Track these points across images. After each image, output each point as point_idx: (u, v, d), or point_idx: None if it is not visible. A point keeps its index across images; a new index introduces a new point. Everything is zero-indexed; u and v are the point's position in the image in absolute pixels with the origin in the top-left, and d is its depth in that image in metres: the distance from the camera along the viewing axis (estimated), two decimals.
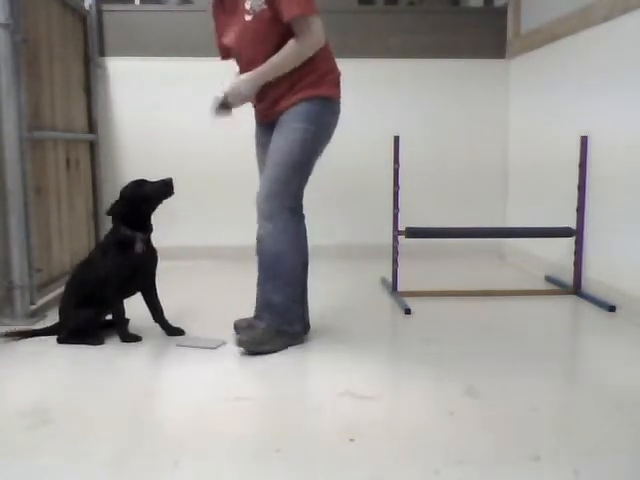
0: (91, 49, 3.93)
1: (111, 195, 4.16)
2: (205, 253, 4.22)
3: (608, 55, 3.00)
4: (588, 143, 3.15)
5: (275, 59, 2.26)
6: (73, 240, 3.51)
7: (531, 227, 3.63)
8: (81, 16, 3.82)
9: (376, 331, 2.67)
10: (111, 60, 4.13)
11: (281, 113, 2.35)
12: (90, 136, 3.91)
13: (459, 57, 4.19)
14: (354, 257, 4.20)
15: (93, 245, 3.92)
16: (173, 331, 2.58)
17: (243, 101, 2.37)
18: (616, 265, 2.95)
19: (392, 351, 2.44)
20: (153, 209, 2.58)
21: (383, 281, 3.48)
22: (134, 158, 4.21)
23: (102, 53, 4.10)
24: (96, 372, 2.21)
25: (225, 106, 2.38)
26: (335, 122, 2.42)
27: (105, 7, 4.08)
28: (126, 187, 2.52)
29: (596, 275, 3.13)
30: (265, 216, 2.34)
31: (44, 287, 2.98)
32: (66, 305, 2.53)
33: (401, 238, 3.19)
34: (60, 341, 2.48)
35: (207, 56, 4.16)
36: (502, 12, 4.24)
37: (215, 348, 2.41)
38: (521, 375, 2.14)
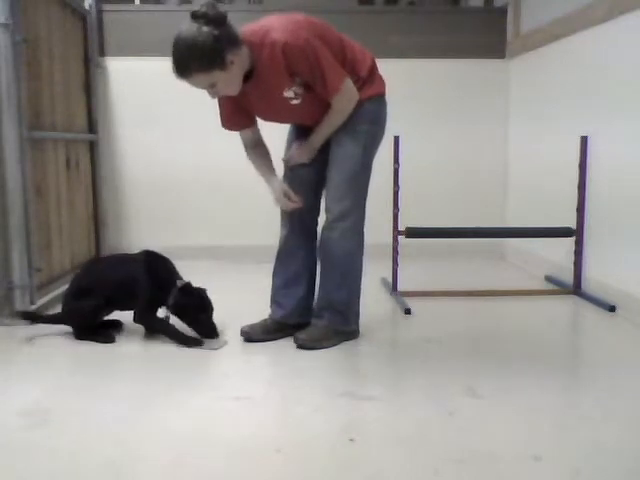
0: (91, 49, 3.93)
1: (111, 195, 4.18)
2: (205, 253, 4.22)
3: (608, 55, 3.00)
4: (588, 143, 3.15)
5: (325, 128, 2.34)
6: (73, 240, 3.51)
7: (531, 227, 3.63)
8: (81, 16, 3.82)
9: (376, 331, 2.67)
10: (111, 60, 4.13)
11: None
12: (90, 136, 3.91)
13: (459, 57, 4.18)
14: None
15: (93, 245, 3.92)
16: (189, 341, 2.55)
17: (306, 159, 2.47)
18: (616, 265, 2.95)
19: (392, 351, 2.44)
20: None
21: (383, 281, 3.48)
22: (134, 158, 4.21)
23: (102, 53, 4.09)
24: (96, 372, 2.20)
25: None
26: (386, 117, 2.45)
27: (105, 7, 4.08)
28: (188, 288, 2.51)
29: (596, 275, 3.13)
30: (337, 217, 2.38)
31: (44, 287, 2.98)
32: (67, 294, 2.57)
33: (401, 238, 3.20)
34: (75, 336, 2.51)
35: None
36: (502, 12, 4.24)
37: (217, 349, 2.40)
38: (521, 375, 2.14)
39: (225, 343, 2.46)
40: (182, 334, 2.45)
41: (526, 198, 4.03)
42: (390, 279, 3.27)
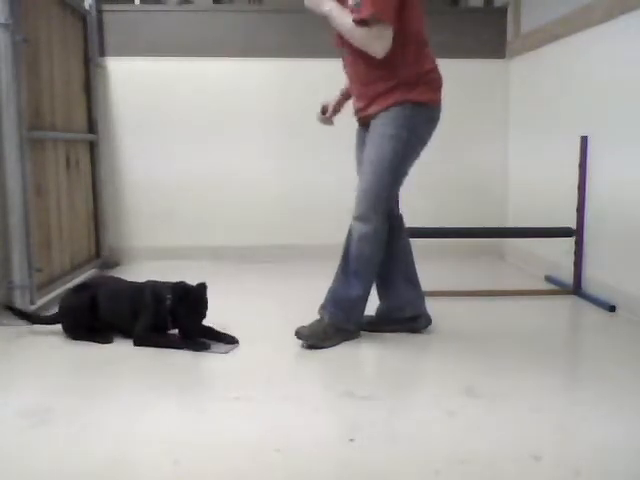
0: (91, 49, 3.92)
1: (111, 195, 4.18)
2: (205, 253, 4.21)
3: (608, 55, 3.00)
4: (588, 143, 3.15)
5: (342, 18, 2.26)
6: (73, 240, 3.51)
7: (531, 227, 3.63)
8: (81, 16, 3.82)
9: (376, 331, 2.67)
10: (111, 60, 4.13)
11: (374, 117, 2.37)
12: (90, 136, 3.91)
13: (459, 57, 4.18)
14: None
15: (93, 245, 3.92)
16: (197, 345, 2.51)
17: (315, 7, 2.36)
18: (616, 265, 2.95)
19: (392, 351, 2.44)
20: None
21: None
22: (134, 158, 4.21)
23: (102, 53, 4.09)
24: (96, 372, 2.20)
25: None
26: (430, 128, 2.40)
27: (105, 7, 4.07)
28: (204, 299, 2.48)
29: (596, 275, 3.13)
30: (358, 218, 2.40)
31: (44, 287, 2.98)
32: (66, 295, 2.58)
33: None
34: (72, 338, 2.50)
35: (207, 56, 4.17)
36: (502, 12, 4.24)
37: (226, 353, 2.37)
38: (521, 375, 2.14)
39: (233, 347, 2.42)
40: (189, 340, 2.41)
41: (526, 198, 4.03)
42: None
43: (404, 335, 2.57)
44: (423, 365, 2.24)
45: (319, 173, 4.25)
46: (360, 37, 2.25)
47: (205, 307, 2.45)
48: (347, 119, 4.50)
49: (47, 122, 3.18)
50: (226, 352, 2.36)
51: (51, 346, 2.47)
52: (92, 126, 3.95)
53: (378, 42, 2.23)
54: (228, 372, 2.19)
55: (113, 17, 4.10)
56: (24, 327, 2.66)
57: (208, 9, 4.46)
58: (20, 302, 2.76)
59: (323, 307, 2.49)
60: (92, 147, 3.95)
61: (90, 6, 3.93)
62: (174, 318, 2.42)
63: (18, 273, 2.75)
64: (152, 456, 1.60)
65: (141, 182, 4.22)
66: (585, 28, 3.18)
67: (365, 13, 2.19)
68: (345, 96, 2.69)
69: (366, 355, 2.38)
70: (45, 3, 3.20)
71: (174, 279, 2.48)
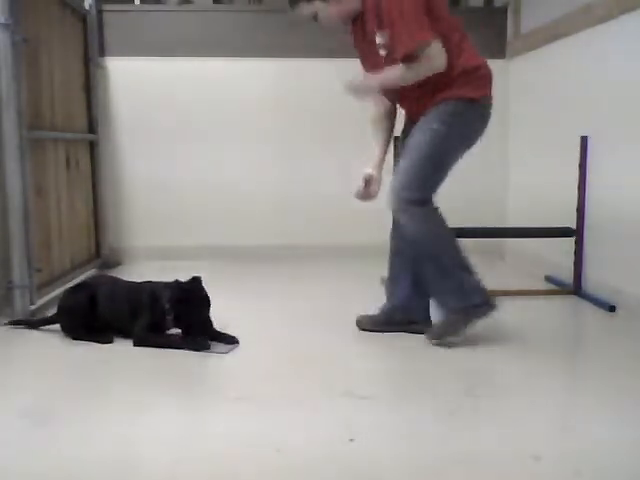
0: (91, 49, 3.92)
1: (111, 195, 4.18)
2: (205, 253, 4.21)
3: (608, 55, 3.00)
4: (588, 143, 3.15)
5: (392, 74, 2.27)
6: (73, 240, 3.51)
7: (531, 227, 3.63)
8: (81, 16, 3.82)
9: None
10: (111, 60, 4.13)
11: (423, 113, 2.36)
12: (90, 136, 3.91)
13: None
14: (354, 257, 4.19)
15: (93, 245, 3.92)
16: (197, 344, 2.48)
17: (363, 93, 2.44)
18: (616, 265, 2.95)
19: (392, 351, 2.44)
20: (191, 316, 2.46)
21: (383, 281, 3.48)
22: (134, 158, 4.21)
23: (102, 53, 4.09)
24: (96, 372, 2.20)
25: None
26: (479, 125, 2.38)
27: (105, 7, 4.07)
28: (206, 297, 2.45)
29: (596, 275, 3.13)
30: (394, 209, 2.39)
31: (44, 287, 2.98)
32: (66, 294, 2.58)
33: None
34: (72, 337, 2.49)
35: (207, 56, 4.17)
36: (502, 12, 4.24)
37: (226, 353, 2.35)
38: (521, 375, 2.14)
39: (233, 347, 2.41)
40: (189, 339, 2.40)
41: (526, 198, 4.03)
42: None
43: (404, 335, 2.57)
44: (423, 365, 2.24)
45: (319, 173, 4.25)
46: (419, 71, 2.23)
47: (205, 300, 2.43)
48: (347, 119, 4.50)
49: (47, 122, 3.18)
50: (226, 352, 2.36)
51: (51, 346, 2.46)
52: (92, 126, 3.95)
53: (435, 61, 2.21)
54: (228, 372, 2.19)
55: (113, 17, 4.10)
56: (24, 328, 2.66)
57: (208, 9, 4.46)
58: (20, 302, 2.75)
59: (439, 306, 2.45)
60: (92, 147, 3.95)
61: (90, 6, 3.93)
62: (176, 317, 2.42)
63: (18, 273, 2.75)
64: (152, 456, 1.60)
65: (141, 182, 4.22)
66: (585, 28, 3.18)
67: (407, 47, 2.18)
68: (383, 157, 2.58)
69: (366, 355, 2.38)
70: (45, 3, 3.20)
71: (173, 278, 2.47)
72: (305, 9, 2.35)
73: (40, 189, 3.00)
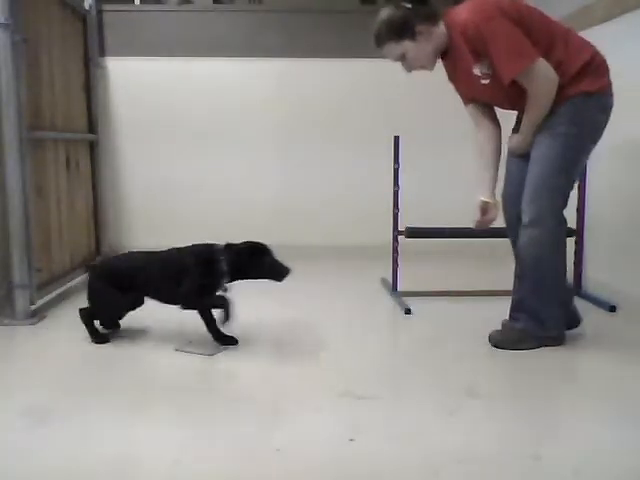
0: (91, 49, 3.92)
1: (111, 195, 4.18)
2: None
3: (608, 55, 2.99)
4: None
5: (529, 117, 2.30)
6: (73, 240, 3.50)
7: None
8: (81, 16, 3.82)
9: (376, 331, 2.67)
10: (111, 60, 4.13)
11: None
12: (90, 136, 3.91)
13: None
14: (354, 257, 4.19)
15: (93, 245, 3.92)
16: (226, 340, 2.48)
17: (523, 150, 2.41)
18: (616, 265, 2.95)
19: (392, 351, 2.44)
20: (253, 277, 2.48)
21: (383, 281, 3.48)
22: (134, 158, 4.21)
23: (102, 53, 4.09)
24: (97, 372, 2.21)
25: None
26: (604, 118, 2.33)
27: (105, 7, 4.08)
28: (256, 244, 2.47)
29: (596, 275, 3.13)
30: (527, 222, 2.33)
31: (44, 287, 2.98)
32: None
33: (401, 238, 3.19)
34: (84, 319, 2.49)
35: (207, 56, 4.18)
36: None
37: (212, 355, 2.34)
38: (521, 375, 2.14)
39: (220, 350, 2.39)
40: (220, 332, 2.41)
41: None
42: (390, 279, 3.27)
43: (403, 335, 2.57)
44: (423, 365, 2.24)
45: (319, 173, 4.26)
46: (540, 94, 2.22)
47: (264, 264, 2.44)
48: (347, 119, 4.51)
49: (47, 122, 3.17)
50: (212, 354, 2.33)
51: (52, 346, 2.47)
52: (92, 126, 3.95)
53: (545, 79, 2.20)
54: (228, 372, 2.19)
55: (113, 17, 4.10)
56: (24, 327, 2.66)
57: (208, 9, 4.46)
58: (20, 302, 2.75)
59: (514, 318, 2.42)
60: (92, 147, 3.95)
61: (90, 6, 3.93)
62: (232, 279, 2.42)
63: (18, 273, 2.75)
64: (152, 456, 1.60)
65: (141, 182, 4.22)
66: (585, 28, 3.17)
67: (512, 75, 2.18)
68: (494, 182, 2.51)
69: (366, 355, 2.38)
70: (45, 3, 3.20)
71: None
72: (393, 50, 2.33)
73: (40, 189, 3.00)
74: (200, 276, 2.38)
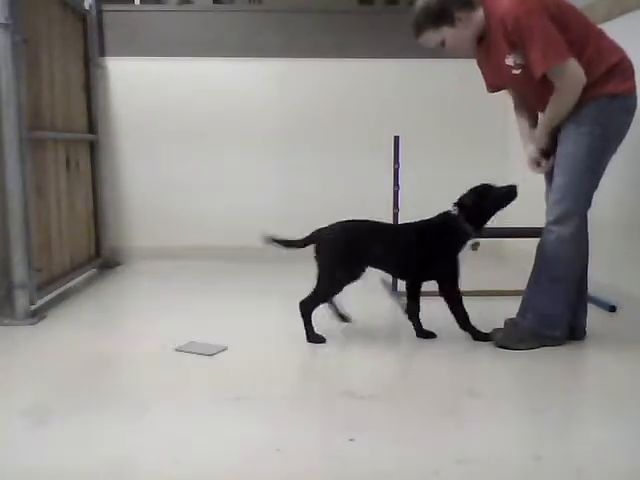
0: (91, 49, 3.92)
1: (111, 195, 4.18)
2: (205, 253, 4.21)
3: None
4: None
5: (550, 109, 2.30)
6: (73, 240, 3.51)
7: (531, 227, 3.62)
8: (81, 16, 3.82)
9: (376, 331, 2.67)
10: (111, 60, 4.13)
11: (566, 116, 2.33)
12: (90, 136, 3.91)
13: (459, 57, 4.17)
14: None
15: (93, 245, 3.92)
16: (425, 334, 2.51)
17: (545, 145, 2.43)
18: (616, 265, 2.94)
19: (392, 351, 2.44)
20: (494, 212, 2.54)
21: (383, 281, 3.48)
22: (134, 158, 4.21)
23: (102, 53, 4.09)
24: (97, 372, 2.21)
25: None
26: (628, 119, 2.33)
27: (105, 7, 4.07)
28: (477, 186, 2.51)
29: (596, 275, 3.12)
30: (553, 220, 2.34)
31: (44, 287, 2.98)
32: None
33: None
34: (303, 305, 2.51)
35: (207, 56, 4.17)
36: None
37: (212, 355, 2.34)
38: (521, 375, 2.14)
39: (224, 349, 2.40)
40: (476, 329, 2.47)
41: (526, 198, 4.02)
42: (390, 279, 3.27)
43: (403, 335, 2.57)
44: (423, 365, 2.24)
45: (318, 173, 4.25)
46: (567, 92, 2.23)
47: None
48: (346, 119, 4.50)
49: (47, 122, 3.17)
50: (213, 354, 2.33)
51: (52, 346, 2.47)
52: (92, 126, 3.95)
53: (574, 78, 2.21)
54: (228, 372, 2.19)
55: (113, 17, 4.10)
56: (24, 327, 2.66)
57: (208, 9, 4.45)
58: (20, 302, 2.75)
59: (521, 315, 2.42)
60: (92, 147, 3.95)
61: (90, 6, 3.93)
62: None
63: (18, 273, 2.75)
64: (152, 456, 1.60)
65: (141, 182, 4.22)
66: None
67: (543, 70, 2.19)
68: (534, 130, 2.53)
69: (366, 355, 2.38)
70: (45, 3, 3.20)
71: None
72: (432, 37, 2.34)
73: (40, 189, 3.00)
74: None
